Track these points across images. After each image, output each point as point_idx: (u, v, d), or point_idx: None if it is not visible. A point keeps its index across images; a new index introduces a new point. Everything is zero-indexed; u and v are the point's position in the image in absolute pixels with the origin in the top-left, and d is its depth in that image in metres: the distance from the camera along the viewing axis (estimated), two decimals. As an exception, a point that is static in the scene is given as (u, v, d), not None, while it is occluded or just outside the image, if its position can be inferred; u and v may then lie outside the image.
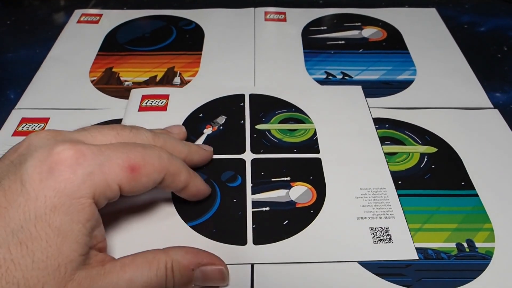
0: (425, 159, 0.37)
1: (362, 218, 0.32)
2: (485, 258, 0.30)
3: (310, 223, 0.32)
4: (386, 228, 0.31)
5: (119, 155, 0.25)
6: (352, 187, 0.34)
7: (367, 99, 0.42)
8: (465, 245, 0.31)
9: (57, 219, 0.22)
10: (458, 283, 0.29)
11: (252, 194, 0.34)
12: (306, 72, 0.46)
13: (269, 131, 0.39)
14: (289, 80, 0.45)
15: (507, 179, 0.35)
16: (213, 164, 0.35)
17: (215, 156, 0.36)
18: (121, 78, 0.45)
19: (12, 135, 0.39)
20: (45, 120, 0.40)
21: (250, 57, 0.48)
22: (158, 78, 0.45)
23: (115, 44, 0.50)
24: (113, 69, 0.46)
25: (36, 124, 0.40)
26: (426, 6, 0.56)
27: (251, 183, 0.34)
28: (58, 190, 0.22)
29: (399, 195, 0.34)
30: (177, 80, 0.45)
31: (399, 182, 0.35)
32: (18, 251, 0.21)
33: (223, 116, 0.40)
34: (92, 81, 0.45)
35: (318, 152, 0.37)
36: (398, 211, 0.33)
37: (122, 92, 0.43)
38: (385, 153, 0.37)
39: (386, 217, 0.32)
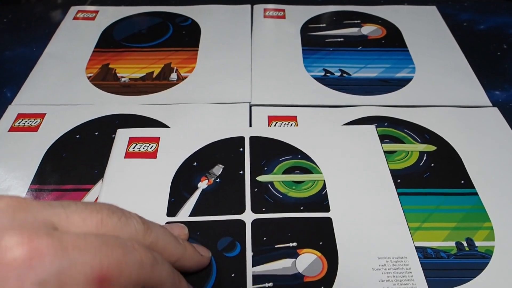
0: (424, 158, 0.37)
1: None
2: (485, 257, 0.30)
3: None
4: None
5: (89, 260, 0.19)
6: (368, 256, 0.30)
7: (365, 96, 0.42)
8: (465, 244, 0.31)
9: None
10: (457, 282, 0.28)
11: (253, 266, 0.29)
12: (304, 69, 0.45)
13: (272, 183, 0.34)
14: (286, 77, 0.45)
15: (507, 178, 0.35)
16: (209, 229, 0.31)
17: (212, 218, 0.32)
18: (118, 74, 0.45)
19: (9, 131, 0.38)
20: (42, 116, 0.40)
21: (247, 53, 0.47)
22: (154, 74, 0.45)
23: (112, 40, 0.50)
24: (110, 66, 0.46)
25: (32, 120, 0.39)
26: (426, 3, 0.56)
27: (252, 251, 0.30)
28: None
29: (398, 194, 0.33)
30: (173, 76, 0.44)
31: (398, 181, 0.34)
32: None
33: (220, 166, 0.35)
34: (88, 77, 0.44)
35: (328, 210, 0.32)
36: (422, 286, 0.28)
37: (119, 88, 0.43)
38: (384, 152, 0.37)
39: None
